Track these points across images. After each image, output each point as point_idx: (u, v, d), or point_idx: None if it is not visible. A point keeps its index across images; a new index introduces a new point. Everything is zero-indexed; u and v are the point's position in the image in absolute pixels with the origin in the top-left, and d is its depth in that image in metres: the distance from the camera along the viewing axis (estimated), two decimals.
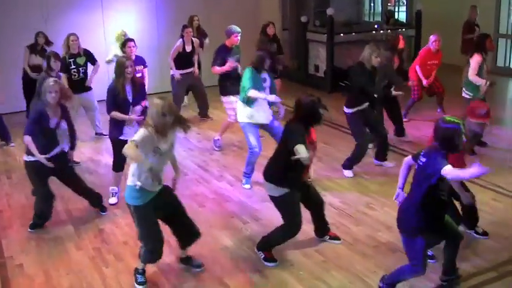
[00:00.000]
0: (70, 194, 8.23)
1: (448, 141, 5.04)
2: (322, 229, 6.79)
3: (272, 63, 8.43)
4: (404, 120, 11.26)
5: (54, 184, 7.43)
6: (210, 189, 8.43)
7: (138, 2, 14.00)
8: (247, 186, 8.48)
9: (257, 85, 8.08)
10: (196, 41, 11.65)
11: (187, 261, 6.33)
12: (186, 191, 8.38)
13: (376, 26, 15.46)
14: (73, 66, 9.98)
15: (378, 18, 17.73)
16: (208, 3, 14.43)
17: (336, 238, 6.80)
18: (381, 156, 9.12)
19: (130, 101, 7.64)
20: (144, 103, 7.88)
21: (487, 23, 15.31)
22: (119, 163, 7.93)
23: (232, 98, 9.60)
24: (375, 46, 8.52)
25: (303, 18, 14.92)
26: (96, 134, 10.92)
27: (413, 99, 11.40)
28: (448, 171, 4.91)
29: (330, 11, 13.95)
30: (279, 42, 12.30)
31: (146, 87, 9.92)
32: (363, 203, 7.85)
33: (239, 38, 9.79)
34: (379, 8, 18.23)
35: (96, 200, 7.71)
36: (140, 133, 5.47)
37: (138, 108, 7.76)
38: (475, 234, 6.75)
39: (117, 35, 11.18)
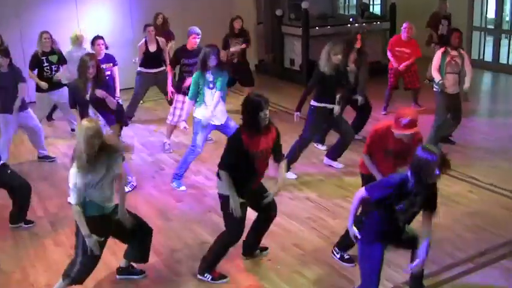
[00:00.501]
0: (46, 190, 8.21)
1: (419, 170, 4.71)
2: (252, 247, 6.41)
3: (219, 60, 8.09)
4: (383, 113, 11.31)
5: (27, 178, 7.38)
6: (187, 184, 8.40)
7: None
8: (183, 188, 8.36)
9: (199, 89, 8.02)
10: (162, 40, 11.30)
11: (127, 271, 6.06)
12: (163, 186, 8.37)
13: (351, 19, 15.50)
14: (46, 64, 9.86)
15: (353, 11, 17.78)
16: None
17: (265, 248, 6.51)
18: (334, 155, 9.02)
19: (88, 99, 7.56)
20: (116, 99, 7.91)
21: (461, 16, 15.43)
22: None
23: (180, 98, 9.56)
24: (332, 44, 8.28)
25: (278, 12, 14.91)
26: (72, 130, 10.83)
27: (388, 89, 11.47)
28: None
29: (304, 4, 13.95)
30: (247, 35, 12.21)
31: (117, 84, 9.83)
32: (340, 196, 7.88)
33: (197, 40, 9.43)
34: (353, 1, 18.28)
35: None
36: (71, 177, 5.25)
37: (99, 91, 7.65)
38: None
39: (74, 37, 10.89)
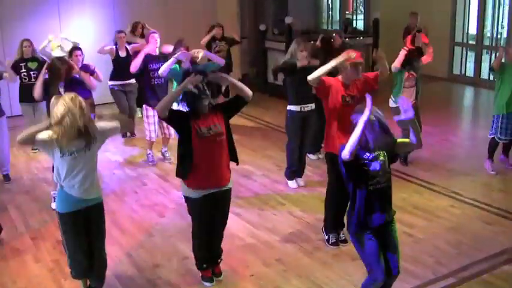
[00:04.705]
0: (27, 203, 8.15)
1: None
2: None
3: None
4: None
5: (9, 193, 7.32)
6: (170, 199, 8.38)
7: (96, 8, 13.90)
8: None
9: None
10: (131, 47, 11.16)
11: None
12: (145, 200, 8.34)
13: (334, 35, 15.55)
14: (23, 70, 9.93)
15: (336, 27, 17.87)
16: (165, 12, 14.38)
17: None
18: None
19: None
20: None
21: (443, 31, 15.59)
22: None
23: (150, 112, 9.47)
24: (300, 40, 8.26)
25: (262, 27, 14.98)
26: None
27: None
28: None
29: (288, 20, 14.03)
30: (233, 39, 12.48)
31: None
32: (323, 210, 7.86)
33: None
34: (337, 17, 18.39)
35: None
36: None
37: None
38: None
39: (53, 46, 11.04)
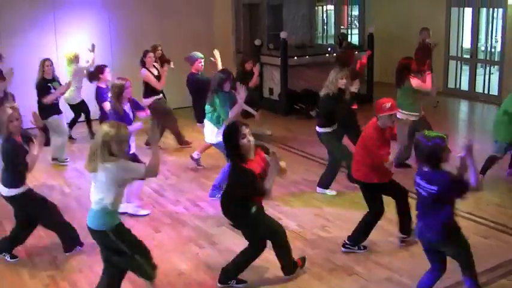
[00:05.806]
0: None
1: (435, 157, 5.62)
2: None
3: (233, 83, 8.68)
4: None
5: (4, 208, 7.29)
6: (166, 214, 8.36)
7: (92, 22, 13.87)
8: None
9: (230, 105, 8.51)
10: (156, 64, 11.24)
11: None
12: (141, 216, 8.31)
13: (329, 49, 15.64)
14: (52, 91, 10.13)
15: (331, 41, 17.96)
16: (161, 26, 14.39)
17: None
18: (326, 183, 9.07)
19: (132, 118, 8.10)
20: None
21: (438, 45, 15.64)
22: None
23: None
24: (338, 68, 8.64)
25: (257, 42, 15.01)
26: (53, 159, 10.77)
27: None
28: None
29: (283, 34, 14.07)
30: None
31: None
32: (318, 225, 7.87)
33: (203, 63, 10.12)
34: (332, 31, 18.47)
35: None
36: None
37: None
38: None
39: (69, 59, 11.08)
